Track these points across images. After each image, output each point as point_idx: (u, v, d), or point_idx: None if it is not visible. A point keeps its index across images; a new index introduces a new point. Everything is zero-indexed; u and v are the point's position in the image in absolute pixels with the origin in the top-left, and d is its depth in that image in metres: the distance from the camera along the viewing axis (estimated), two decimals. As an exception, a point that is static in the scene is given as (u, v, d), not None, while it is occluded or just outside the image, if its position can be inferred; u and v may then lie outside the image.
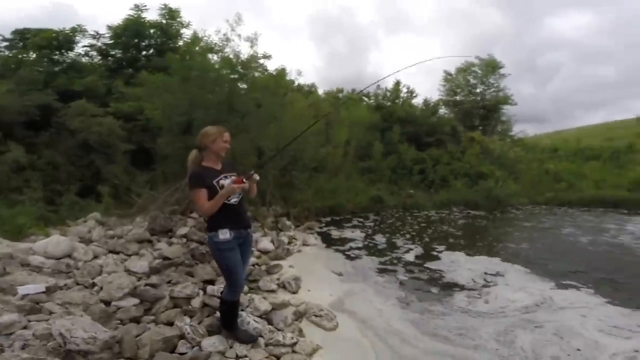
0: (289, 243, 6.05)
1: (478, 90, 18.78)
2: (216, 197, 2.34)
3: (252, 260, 4.81)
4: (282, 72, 9.70)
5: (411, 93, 16.94)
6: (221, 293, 2.77)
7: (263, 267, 4.73)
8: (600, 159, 15.66)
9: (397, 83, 16.91)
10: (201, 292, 3.41)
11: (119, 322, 2.88)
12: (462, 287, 4.37)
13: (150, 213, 5.73)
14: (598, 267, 5.28)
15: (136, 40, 10.10)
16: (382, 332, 3.09)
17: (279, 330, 2.94)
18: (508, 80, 18.58)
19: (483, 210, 11.34)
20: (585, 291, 4.22)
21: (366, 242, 6.67)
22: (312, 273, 4.67)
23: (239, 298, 2.68)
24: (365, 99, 16.75)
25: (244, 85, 8.13)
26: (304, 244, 6.28)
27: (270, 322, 3.06)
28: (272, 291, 3.92)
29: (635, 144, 16.78)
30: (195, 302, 3.22)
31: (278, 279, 4.31)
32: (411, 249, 6.23)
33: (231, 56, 7.80)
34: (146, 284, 3.30)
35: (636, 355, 2.78)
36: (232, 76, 7.75)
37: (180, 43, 10.20)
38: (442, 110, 18.15)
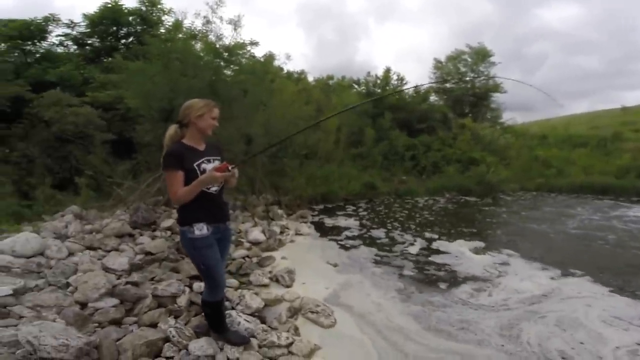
0: (281, 233, 5.81)
1: (468, 78, 18.56)
2: (194, 183, 1.99)
3: (242, 252, 4.59)
4: (270, 58, 9.38)
5: (401, 80, 16.68)
6: (201, 293, 2.51)
7: (254, 260, 4.51)
8: (588, 146, 15.75)
9: (388, 70, 16.63)
10: (187, 290, 3.18)
11: (97, 325, 2.61)
12: (466, 278, 4.20)
13: (130, 204, 5.42)
14: (595, 256, 5.20)
15: (114, 29, 9.72)
16: (382, 329, 2.90)
17: (273, 329, 2.72)
18: (497, 69, 18.42)
19: (475, 196, 11.29)
20: (589, 280, 4.11)
21: (362, 231, 6.47)
22: (306, 264, 4.47)
23: (223, 297, 2.39)
24: (356, 85, 16.44)
25: (229, 72, 7.80)
26: (297, 234, 6.05)
27: (263, 321, 2.84)
28: (265, 285, 3.71)
29: (622, 132, 16.98)
30: (181, 301, 2.98)
31: (270, 272, 4.10)
32: (408, 237, 6.07)
33: (213, 39, 7.43)
34: (127, 282, 3.03)
35: (638, 348, 2.65)
36: (216, 61, 7.40)
37: (162, 30, 9.82)
38: (433, 98, 17.98)
